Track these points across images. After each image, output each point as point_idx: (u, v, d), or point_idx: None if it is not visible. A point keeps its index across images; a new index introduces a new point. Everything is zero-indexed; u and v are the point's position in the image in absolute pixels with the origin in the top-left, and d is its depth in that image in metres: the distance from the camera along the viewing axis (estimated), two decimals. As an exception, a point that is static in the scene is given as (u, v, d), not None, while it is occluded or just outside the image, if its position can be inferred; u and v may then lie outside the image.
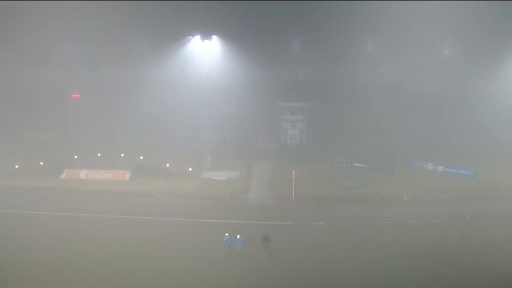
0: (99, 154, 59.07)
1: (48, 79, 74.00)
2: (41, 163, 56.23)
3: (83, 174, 53.39)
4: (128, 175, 53.12)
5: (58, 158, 58.03)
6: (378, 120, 70.21)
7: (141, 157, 57.87)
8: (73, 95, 76.37)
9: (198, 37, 60.26)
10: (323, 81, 73.72)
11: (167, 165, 55.11)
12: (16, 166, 55.17)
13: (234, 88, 69.68)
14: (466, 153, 58.26)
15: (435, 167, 54.48)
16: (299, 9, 71.76)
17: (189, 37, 61.48)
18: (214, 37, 60.89)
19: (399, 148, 60.66)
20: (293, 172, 48.21)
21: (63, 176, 53.73)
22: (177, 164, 55.64)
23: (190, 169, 54.78)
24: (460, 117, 67.88)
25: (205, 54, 59.90)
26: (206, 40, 60.23)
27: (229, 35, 62.67)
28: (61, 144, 64.00)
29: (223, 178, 53.31)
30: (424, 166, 55.08)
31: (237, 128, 71.00)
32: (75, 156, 58.38)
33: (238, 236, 35.85)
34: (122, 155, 58.99)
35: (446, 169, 53.93)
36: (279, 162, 58.31)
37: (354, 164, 56.22)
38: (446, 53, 71.46)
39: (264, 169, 56.96)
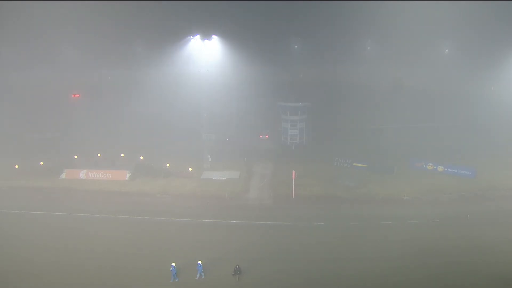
0: (99, 154, 59.04)
1: (48, 79, 74.23)
2: (41, 163, 56.20)
3: (83, 174, 53.37)
4: (128, 175, 53.10)
5: (58, 158, 57.93)
6: (378, 120, 70.21)
7: (141, 157, 57.84)
8: (73, 95, 76.40)
9: (198, 37, 60.29)
10: (323, 81, 73.79)
11: (167, 165, 55.08)
12: (16, 166, 55.15)
13: (234, 88, 69.70)
14: (466, 153, 58.21)
15: (435, 167, 54.43)
16: (299, 9, 71.82)
17: (189, 37, 61.54)
18: (214, 37, 60.94)
19: (399, 148, 60.60)
20: (293, 172, 48.21)
21: (63, 176, 53.72)
22: (177, 164, 55.61)
23: (190, 169, 54.77)
24: (460, 117, 67.86)
25: (205, 54, 59.96)
26: (206, 40, 60.27)
27: (229, 35, 62.75)
28: (61, 144, 63.95)
29: (223, 178, 53.29)
30: (424, 166, 55.03)
31: (237, 128, 71.00)
32: (75, 156, 58.35)
33: (199, 262, 32.41)
34: (122, 155, 58.95)
35: (446, 169, 53.88)
36: (279, 162, 58.29)
37: (354, 164, 56.19)
38: (446, 53, 71.45)
39: (264, 169, 56.93)
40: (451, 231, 38.90)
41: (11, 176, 52.93)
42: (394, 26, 62.95)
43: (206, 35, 60.09)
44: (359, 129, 68.18)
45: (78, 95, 76.55)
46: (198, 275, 32.21)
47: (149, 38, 71.74)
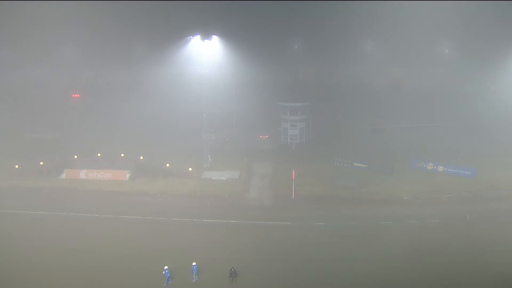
0: (99, 154, 59.00)
1: (48, 79, 74.23)
2: (41, 163, 56.19)
3: (83, 174, 53.33)
4: (128, 175, 53.08)
5: (58, 158, 57.96)
6: (378, 120, 70.21)
7: (141, 157, 57.82)
8: (73, 95, 76.39)
9: (198, 37, 60.25)
10: (323, 81, 73.80)
11: (167, 165, 55.07)
12: (16, 166, 55.08)
13: (234, 88, 69.73)
14: (466, 153, 58.19)
15: (435, 167, 54.43)
16: (299, 9, 71.81)
17: (189, 37, 61.49)
18: (214, 37, 60.89)
19: (399, 148, 60.62)
20: (293, 172, 48.20)
21: (63, 176, 53.68)
22: (177, 164, 55.57)
23: (190, 169, 54.74)
24: (460, 117, 67.87)
25: (205, 54, 59.92)
26: (206, 40, 60.23)
27: (229, 35, 62.73)
28: (61, 144, 63.93)
29: (223, 178, 53.27)
30: (424, 166, 55.03)
31: (237, 128, 70.98)
32: (75, 156, 58.31)
33: (194, 263, 32.14)
34: (122, 155, 58.90)
35: (446, 169, 53.88)
36: (279, 162, 58.27)
37: (354, 164, 56.18)
38: (446, 53, 71.45)
39: (264, 169, 56.91)
40: (451, 231, 38.86)
41: (11, 176, 52.84)
42: (394, 25, 62.96)
43: (206, 35, 60.05)
44: (359, 129, 68.23)
45: (78, 95, 76.59)
46: (195, 277, 31.91)
47: (149, 38, 71.77)
